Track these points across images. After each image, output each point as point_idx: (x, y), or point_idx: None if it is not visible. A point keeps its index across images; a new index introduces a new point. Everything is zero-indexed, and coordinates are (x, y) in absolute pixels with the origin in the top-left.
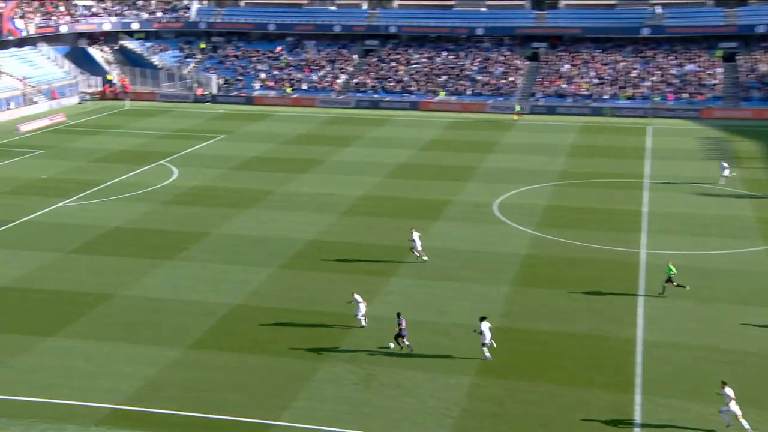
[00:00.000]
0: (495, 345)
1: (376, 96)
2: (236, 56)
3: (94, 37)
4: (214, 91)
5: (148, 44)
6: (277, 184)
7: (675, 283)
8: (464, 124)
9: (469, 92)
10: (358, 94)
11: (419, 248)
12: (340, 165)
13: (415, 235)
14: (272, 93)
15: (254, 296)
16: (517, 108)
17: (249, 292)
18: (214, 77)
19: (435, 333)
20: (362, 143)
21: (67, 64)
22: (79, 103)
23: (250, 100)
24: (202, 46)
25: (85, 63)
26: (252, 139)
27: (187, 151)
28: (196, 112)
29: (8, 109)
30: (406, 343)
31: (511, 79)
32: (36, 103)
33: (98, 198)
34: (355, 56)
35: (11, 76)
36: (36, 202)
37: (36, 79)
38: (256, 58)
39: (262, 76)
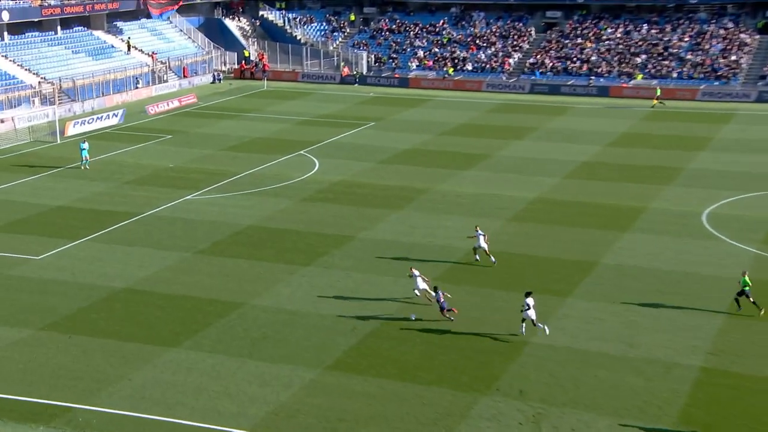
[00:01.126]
0: (545, 329)
1: (556, 79)
2: (391, 30)
3: (231, 6)
4: (364, 71)
5: (291, 15)
6: (433, 182)
7: None
8: (666, 115)
9: (674, 75)
10: (535, 77)
11: (483, 244)
12: (509, 161)
13: (480, 234)
14: (431, 74)
15: (404, 313)
16: (658, 92)
17: (398, 308)
18: (364, 55)
19: (622, 370)
20: (537, 136)
21: (201, 38)
22: (212, 83)
23: (404, 83)
24: (352, 18)
25: (219, 36)
26: (405, 128)
27: (331, 140)
28: (342, 95)
29: (136, 87)
30: (448, 316)
31: (733, 58)
32: (166, 81)
33: (230, 191)
34: (533, 30)
35: (141, 50)
36: (162, 194)
37: (166, 54)
38: (413, 32)
39: (420, 54)
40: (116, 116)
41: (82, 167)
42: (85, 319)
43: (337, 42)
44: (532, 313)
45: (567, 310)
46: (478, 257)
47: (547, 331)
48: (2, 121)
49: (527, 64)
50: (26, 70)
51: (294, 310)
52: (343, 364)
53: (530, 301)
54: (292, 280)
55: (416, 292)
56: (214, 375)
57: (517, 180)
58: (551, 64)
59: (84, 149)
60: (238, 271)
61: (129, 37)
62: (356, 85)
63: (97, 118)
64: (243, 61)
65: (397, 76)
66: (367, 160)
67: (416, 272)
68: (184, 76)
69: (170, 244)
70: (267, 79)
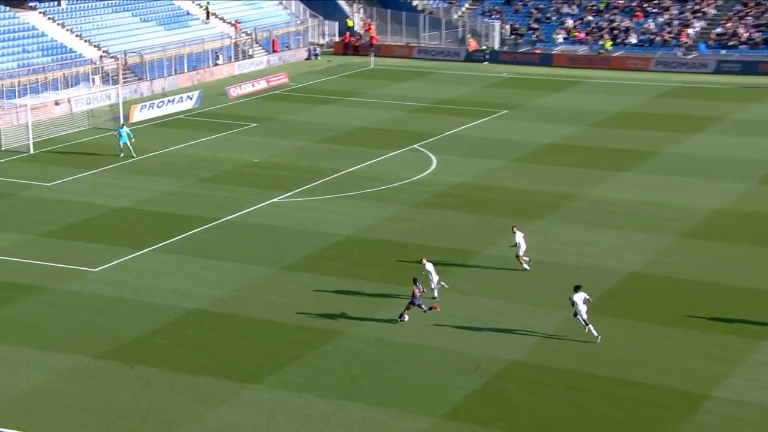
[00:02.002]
0: (591, 331)
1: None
2: None
3: None
4: (496, 45)
5: None
6: (581, 186)
7: None
8: None
9: None
10: (723, 52)
11: (521, 252)
12: (683, 161)
13: (519, 237)
14: (582, 49)
15: (543, 350)
16: None
17: (534, 343)
18: (496, 25)
19: None
20: (721, 128)
21: (294, 4)
22: (308, 59)
23: (547, 60)
24: None
25: (317, 3)
26: (547, 117)
27: (452, 131)
28: (468, 75)
29: (216, 64)
30: (425, 308)
31: None
32: (251, 57)
33: (325, 193)
34: None
35: (222, 19)
36: (245, 195)
37: (252, 23)
38: None
39: (569, 23)
40: (191, 99)
41: (121, 155)
42: (149, 346)
43: (463, 9)
44: (582, 311)
45: (762, 356)
46: (528, 262)
47: (598, 339)
48: (57, 104)
49: (712, 35)
50: (86, 41)
51: (403, 341)
52: (464, 412)
53: (579, 296)
54: (401, 304)
55: (434, 288)
56: (304, 419)
57: (694, 185)
58: (746, 34)
59: (123, 135)
60: (334, 291)
61: (208, 3)
62: (486, 63)
63: (168, 101)
64: (346, 33)
65: (538, 51)
66: (497, 157)
67: (429, 267)
68: (274, 51)
69: (253, 256)
70: (374, 55)
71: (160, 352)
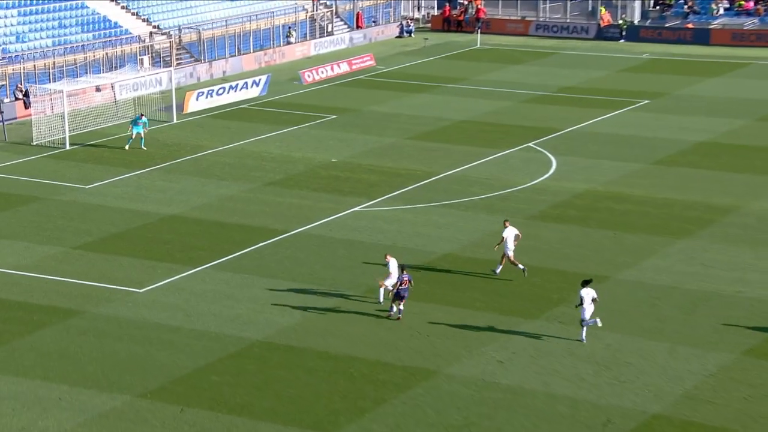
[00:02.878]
0: (600, 323)
1: None
2: None
3: None
4: (635, 18)
5: None
6: (743, 196)
7: None
8: None
9: None
10: None
11: (510, 253)
12: None
13: (509, 233)
14: (751, 22)
15: (689, 401)
16: None
17: (682, 394)
18: None
19: None
20: None
21: None
22: (399, 36)
23: (702, 36)
24: None
25: None
26: (699, 109)
27: (577, 126)
28: (599, 56)
29: (288, 42)
30: (400, 307)
31: None
32: (330, 34)
33: (419, 201)
34: None
35: None
36: (320, 202)
37: None
38: None
39: None
40: (257, 85)
41: (127, 147)
42: (202, 384)
43: None
44: (587, 310)
45: None
46: (500, 268)
47: (599, 323)
48: (98, 90)
49: None
50: (133, 14)
51: (511, 385)
52: None
53: (587, 293)
54: (512, 341)
55: (389, 287)
56: None
57: None
58: None
59: (140, 124)
60: (427, 321)
61: None
62: (622, 41)
63: (230, 87)
64: (446, 5)
65: (690, 26)
66: (632, 159)
67: (392, 264)
68: (358, 27)
69: (328, 277)
70: (481, 32)
71: (215, 391)
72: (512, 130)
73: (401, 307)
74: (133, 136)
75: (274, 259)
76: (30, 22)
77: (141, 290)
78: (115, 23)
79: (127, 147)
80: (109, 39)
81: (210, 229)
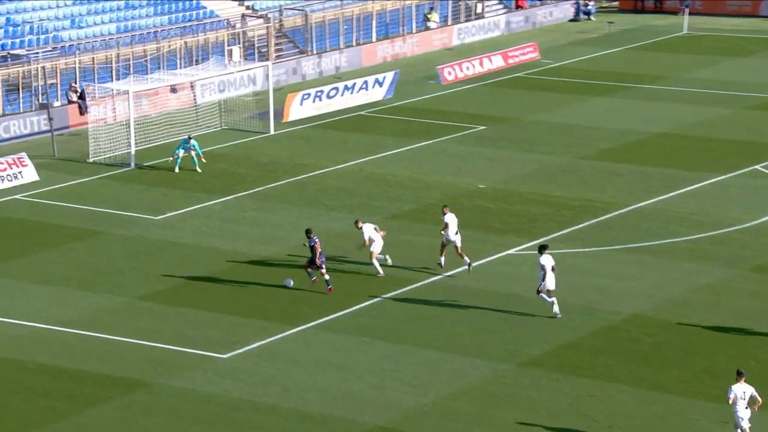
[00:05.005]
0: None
1: None
2: None
3: None
4: None
5: None
6: None
7: None
8: None
9: None
10: None
11: (454, 237)
12: None
13: (367, 229)
14: None
15: None
16: None
17: None
18: None
19: None
20: None
21: None
22: (574, 20)
23: None
24: None
25: None
26: None
27: None
28: None
29: (425, 28)
30: (326, 277)
31: None
32: (480, 16)
33: (597, 243)
34: None
35: None
36: (464, 241)
37: None
38: None
39: None
40: (380, 85)
41: (176, 169)
42: None
43: None
44: (549, 280)
45: None
46: (443, 260)
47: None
48: (173, 90)
49: None
50: None
51: None
52: None
53: (546, 260)
54: None
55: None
56: None
57: None
58: None
59: (191, 147)
60: (611, 406)
61: None
62: None
63: (345, 88)
64: None
65: None
66: None
67: (369, 231)
68: (518, 7)
69: (474, 343)
70: (689, 13)
71: None
72: (731, 148)
73: (326, 276)
74: (180, 156)
75: (400, 317)
76: (88, 2)
77: (225, 355)
78: (197, 3)
79: (176, 170)
80: (189, 24)
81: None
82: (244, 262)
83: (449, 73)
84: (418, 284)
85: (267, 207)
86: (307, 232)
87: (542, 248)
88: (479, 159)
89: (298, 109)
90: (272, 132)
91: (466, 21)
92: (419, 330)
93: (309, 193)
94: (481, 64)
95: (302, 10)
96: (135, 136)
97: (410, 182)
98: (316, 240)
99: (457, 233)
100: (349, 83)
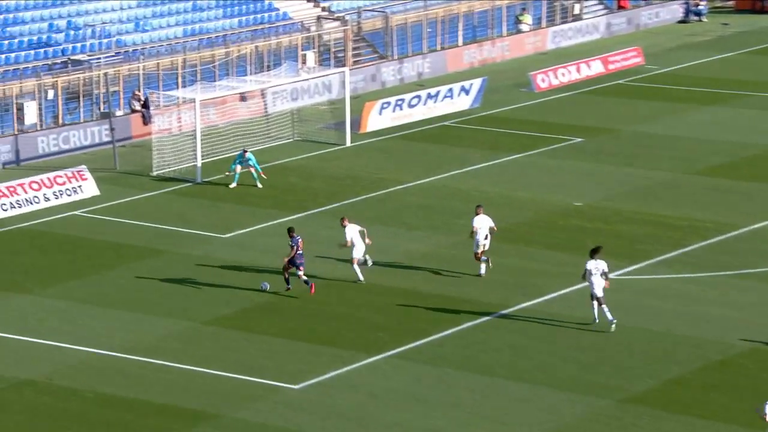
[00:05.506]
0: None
1: None
2: None
3: None
4: None
5: None
6: None
7: None
8: None
9: None
10: None
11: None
12: None
13: (351, 230)
14: None
15: None
16: None
17: None
18: None
19: None
20: None
21: None
22: (684, 21)
23: None
24: None
25: None
26: None
27: None
28: None
29: (516, 31)
30: (304, 278)
31: None
32: (577, 18)
33: (705, 268)
34: None
35: None
36: (559, 265)
37: None
38: None
39: None
40: (467, 93)
41: (233, 184)
42: None
43: None
44: (597, 286)
45: None
46: (484, 270)
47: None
48: (243, 98)
49: None
50: None
51: None
52: None
53: (596, 265)
54: None
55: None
56: None
57: None
58: None
59: (247, 160)
60: None
61: None
62: None
63: (429, 96)
64: None
65: None
66: None
67: (352, 231)
68: (620, 8)
69: (570, 377)
70: None
71: None
72: None
73: (303, 277)
74: (237, 171)
75: (486, 346)
76: (153, 4)
77: (296, 386)
78: (270, 5)
79: (234, 185)
80: (260, 27)
81: (397, 301)
82: (319, 286)
83: (543, 80)
84: (506, 310)
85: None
86: (290, 230)
87: (594, 252)
88: (575, 174)
89: (377, 119)
90: (349, 144)
91: (562, 23)
92: (508, 361)
93: (388, 211)
94: (578, 70)
95: (382, 12)
96: (201, 148)
97: (499, 199)
98: (299, 240)
99: (487, 237)
100: (433, 91)
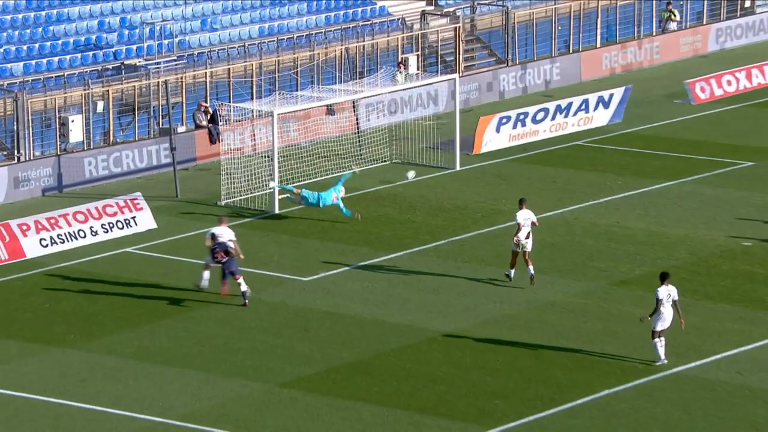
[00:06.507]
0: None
1: None
2: None
3: None
4: None
5: None
6: None
7: None
8: None
9: None
10: None
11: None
12: None
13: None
14: None
15: None
16: None
17: None
18: None
19: None
20: None
21: None
22: None
23: None
24: None
25: None
26: None
27: None
28: None
29: (665, 29)
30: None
31: None
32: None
33: None
34: None
35: None
36: (724, 320)
37: None
38: None
39: None
40: (605, 105)
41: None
42: None
43: None
44: (668, 318)
45: None
46: (513, 272)
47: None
48: (330, 112)
49: None
50: None
51: None
52: None
53: (668, 291)
54: None
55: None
56: None
57: None
58: None
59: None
60: None
61: None
62: None
63: (558, 109)
64: None
65: None
66: None
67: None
68: None
69: None
70: None
71: None
72: None
73: (243, 287)
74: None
75: (633, 420)
76: None
77: None
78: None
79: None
80: (352, 25)
81: (517, 362)
82: (419, 341)
83: (702, 90)
84: (656, 375)
85: (451, 267)
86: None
87: (664, 277)
88: (743, 206)
89: (494, 137)
90: (458, 168)
91: (728, 18)
92: None
93: (506, 250)
94: (748, 77)
95: (501, 5)
96: (280, 172)
97: (645, 237)
98: (231, 244)
99: (528, 237)
100: (563, 103)
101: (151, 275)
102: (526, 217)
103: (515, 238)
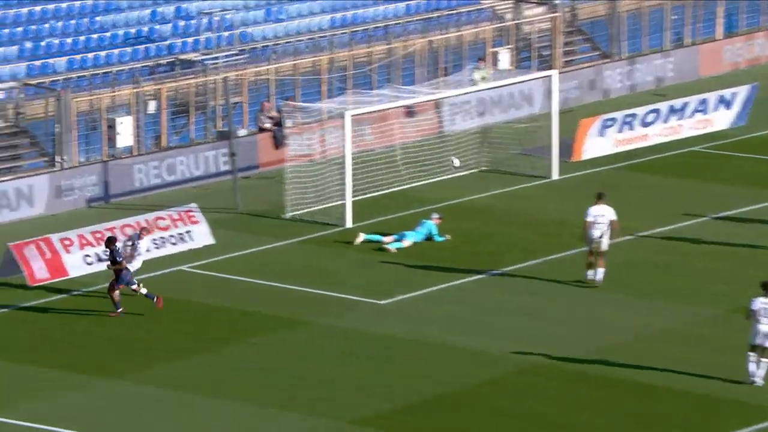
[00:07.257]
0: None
1: None
2: None
3: None
4: None
5: None
6: None
7: None
8: None
9: None
10: None
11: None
12: None
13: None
14: None
15: None
16: None
17: None
18: None
19: None
20: None
21: None
22: None
23: None
24: None
25: None
26: None
27: None
28: None
29: None
30: (144, 291)
31: None
32: None
33: None
34: None
35: None
36: None
37: None
38: None
39: None
40: (727, 106)
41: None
42: None
43: None
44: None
45: None
46: (591, 273)
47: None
48: (410, 113)
49: None
50: None
51: None
52: None
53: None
54: None
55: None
56: None
57: None
58: None
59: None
60: None
61: None
62: None
63: (671, 110)
64: None
65: None
66: None
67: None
68: None
69: None
70: None
71: None
72: None
73: (142, 290)
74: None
75: None
76: None
77: None
78: None
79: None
80: (435, 15)
81: (627, 400)
82: (512, 373)
83: None
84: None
85: (547, 290)
86: (109, 241)
87: (766, 286)
88: None
89: (597, 143)
90: (555, 177)
91: None
92: None
93: (611, 271)
94: None
95: None
96: (353, 181)
97: None
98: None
99: (603, 236)
100: (678, 103)
101: (208, 296)
102: (600, 213)
103: (585, 235)
